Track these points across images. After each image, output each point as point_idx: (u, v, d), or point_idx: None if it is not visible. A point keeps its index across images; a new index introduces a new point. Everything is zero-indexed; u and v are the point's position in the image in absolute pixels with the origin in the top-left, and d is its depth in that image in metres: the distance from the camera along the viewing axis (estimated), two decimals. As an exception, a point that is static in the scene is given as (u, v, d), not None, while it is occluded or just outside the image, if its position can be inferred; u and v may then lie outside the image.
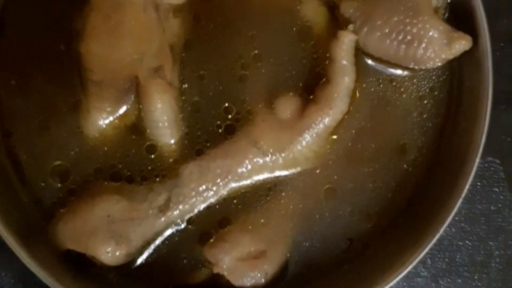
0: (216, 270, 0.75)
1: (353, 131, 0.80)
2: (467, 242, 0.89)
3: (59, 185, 0.77)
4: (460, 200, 0.74)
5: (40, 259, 0.71)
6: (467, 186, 0.74)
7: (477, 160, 0.75)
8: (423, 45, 0.75)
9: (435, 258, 0.89)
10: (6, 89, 0.78)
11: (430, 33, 0.75)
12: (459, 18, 0.78)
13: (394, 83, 0.80)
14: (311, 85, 0.79)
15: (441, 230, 0.74)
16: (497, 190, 0.90)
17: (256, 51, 0.80)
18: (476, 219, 0.90)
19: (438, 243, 0.87)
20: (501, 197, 0.90)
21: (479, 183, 0.90)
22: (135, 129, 0.78)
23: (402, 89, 0.80)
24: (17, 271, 0.84)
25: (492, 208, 0.90)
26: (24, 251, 0.71)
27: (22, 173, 0.78)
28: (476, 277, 0.89)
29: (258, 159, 0.77)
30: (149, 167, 0.78)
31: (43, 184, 0.77)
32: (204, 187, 0.76)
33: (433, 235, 0.74)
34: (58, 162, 0.77)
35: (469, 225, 0.89)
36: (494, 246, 0.90)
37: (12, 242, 0.71)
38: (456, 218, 0.88)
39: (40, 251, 0.72)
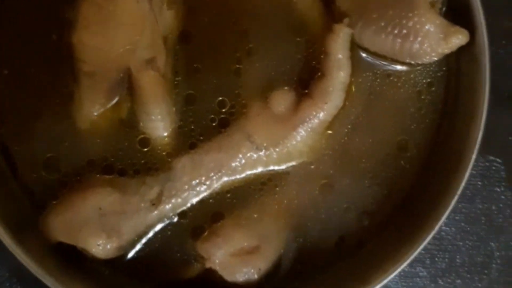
0: (208, 265, 0.75)
1: (349, 126, 0.79)
2: (467, 242, 0.89)
3: (51, 177, 0.77)
4: (456, 197, 0.74)
5: (31, 251, 0.71)
6: (463, 183, 0.74)
7: (474, 156, 0.74)
8: (419, 39, 0.74)
9: (435, 258, 0.88)
10: (-3, 79, 0.78)
11: (426, 27, 0.74)
12: (456, 13, 0.77)
13: (391, 78, 0.80)
14: (306, 80, 0.78)
15: (437, 227, 0.73)
16: (498, 189, 0.89)
17: (250, 45, 0.79)
18: (477, 219, 0.89)
19: (438, 243, 0.87)
20: (502, 197, 0.89)
21: (480, 183, 0.89)
22: (128, 121, 0.78)
23: (399, 84, 0.80)
24: (11, 266, 0.84)
25: (493, 208, 0.89)
26: (14, 243, 0.70)
27: (14, 165, 0.78)
28: (476, 278, 0.89)
29: (252, 153, 0.76)
30: (142, 161, 0.77)
31: (35, 176, 0.77)
32: (197, 180, 0.76)
33: (429, 232, 0.73)
34: (50, 154, 0.77)
35: (469, 225, 0.89)
36: (494, 247, 0.89)
37: (2, 234, 0.70)
38: (457, 217, 0.88)
39: (31, 244, 0.72)
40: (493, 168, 0.89)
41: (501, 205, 0.89)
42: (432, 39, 0.74)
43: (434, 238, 0.74)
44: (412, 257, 0.73)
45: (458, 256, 0.89)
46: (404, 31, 0.74)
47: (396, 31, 0.75)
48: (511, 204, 0.89)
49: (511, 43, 0.90)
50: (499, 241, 0.89)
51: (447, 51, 0.75)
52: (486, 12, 0.75)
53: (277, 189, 0.78)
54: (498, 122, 0.77)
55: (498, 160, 0.89)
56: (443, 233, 0.88)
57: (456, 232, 0.89)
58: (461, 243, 0.89)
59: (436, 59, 0.76)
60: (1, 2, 0.79)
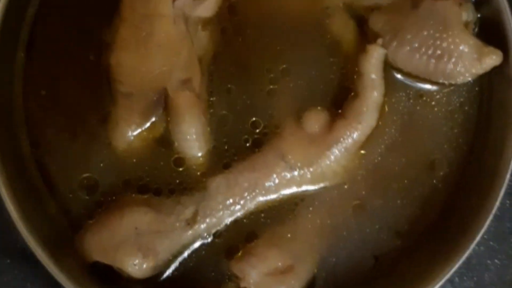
0: (243, 284, 0.74)
1: (382, 146, 0.79)
2: (496, 261, 0.88)
3: (87, 197, 0.78)
4: (490, 217, 0.73)
5: (67, 270, 0.71)
6: (497, 203, 0.74)
7: (508, 176, 0.74)
8: (453, 59, 0.75)
9: (463, 277, 0.88)
10: (35, 100, 0.79)
11: (461, 48, 0.74)
12: (489, 33, 0.78)
13: (424, 98, 0.80)
14: (340, 100, 0.79)
15: (471, 248, 0.73)
16: (526, 208, 0.88)
17: (284, 65, 0.80)
18: (505, 237, 0.88)
19: (467, 261, 0.85)
20: (531, 216, 0.88)
21: (508, 201, 0.88)
22: (164, 141, 0.78)
23: (432, 103, 0.80)
24: (43, 284, 0.84)
25: (522, 226, 0.88)
26: (52, 262, 0.71)
27: (51, 184, 0.78)
28: (505, 297, 0.88)
29: (286, 173, 0.76)
30: (177, 180, 0.78)
31: (71, 196, 0.78)
32: (231, 200, 0.76)
33: (462, 253, 0.73)
34: (86, 174, 0.78)
35: (498, 243, 0.88)
36: (523, 266, 0.88)
37: (40, 253, 0.71)
38: (485, 236, 0.87)
39: (67, 263, 0.73)
40: (522, 187, 0.89)
41: (529, 224, 0.88)
42: (466, 60, 0.74)
43: (463, 257, 0.73)
44: (446, 278, 0.72)
45: (486, 275, 0.88)
46: (438, 51, 0.75)
47: (430, 52, 0.75)
48: (540, 223, 0.88)
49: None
50: (528, 260, 0.88)
51: (481, 71, 0.75)
52: (518, 32, 0.75)
53: (311, 209, 0.78)
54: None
55: (527, 179, 0.89)
56: (471, 252, 0.86)
57: (485, 251, 0.88)
58: (489, 262, 0.88)
59: (470, 79, 0.76)
60: (39, 24, 0.80)
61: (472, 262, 0.87)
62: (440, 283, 0.72)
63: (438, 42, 0.75)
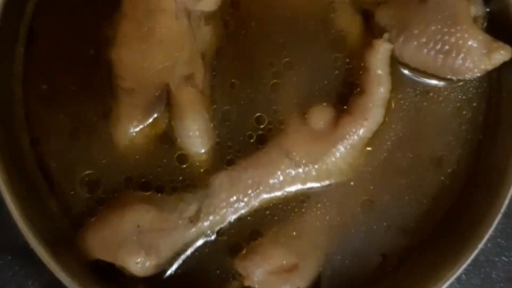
0: (247, 283, 0.74)
1: (389, 143, 0.78)
2: (503, 258, 0.88)
3: (89, 194, 0.77)
4: (499, 216, 0.72)
5: (68, 268, 0.71)
6: (506, 201, 0.73)
7: (517, 174, 0.72)
8: (462, 55, 0.73)
9: (470, 274, 0.87)
10: (35, 96, 0.78)
11: (469, 43, 0.73)
12: (498, 27, 0.76)
13: (431, 94, 0.79)
14: (345, 95, 0.78)
15: (479, 246, 0.72)
16: (535, 204, 0.88)
17: (287, 59, 0.79)
18: (513, 234, 0.87)
19: (474, 258, 0.85)
20: (539, 212, 0.87)
21: (516, 198, 0.87)
22: (166, 138, 0.77)
23: (440, 99, 0.79)
24: (44, 281, 0.84)
25: (530, 223, 0.87)
26: (53, 260, 0.70)
27: (52, 182, 0.78)
28: (512, 293, 0.87)
29: (291, 170, 0.76)
30: (180, 177, 0.77)
31: (72, 193, 0.77)
32: (235, 198, 0.75)
33: (471, 251, 0.72)
34: (88, 171, 0.77)
35: (505, 240, 0.88)
36: (531, 263, 0.87)
37: (41, 251, 0.70)
38: (492, 233, 0.85)
39: (68, 261, 0.72)
40: (530, 183, 0.88)
41: (537, 220, 0.87)
42: (475, 55, 0.73)
43: (469, 253, 0.72)
44: (454, 277, 0.72)
45: (494, 272, 0.88)
46: (446, 47, 0.74)
47: (438, 47, 0.74)
48: (548, 220, 0.87)
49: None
50: (535, 257, 0.87)
51: (490, 67, 0.74)
52: (528, 27, 0.74)
53: (319, 205, 0.77)
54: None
55: (535, 174, 0.88)
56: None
57: (492, 247, 0.88)
58: (497, 259, 0.88)
59: (478, 75, 0.75)
60: (39, 20, 0.79)
61: (480, 259, 0.87)
62: (448, 282, 0.72)
63: (446, 37, 0.73)
